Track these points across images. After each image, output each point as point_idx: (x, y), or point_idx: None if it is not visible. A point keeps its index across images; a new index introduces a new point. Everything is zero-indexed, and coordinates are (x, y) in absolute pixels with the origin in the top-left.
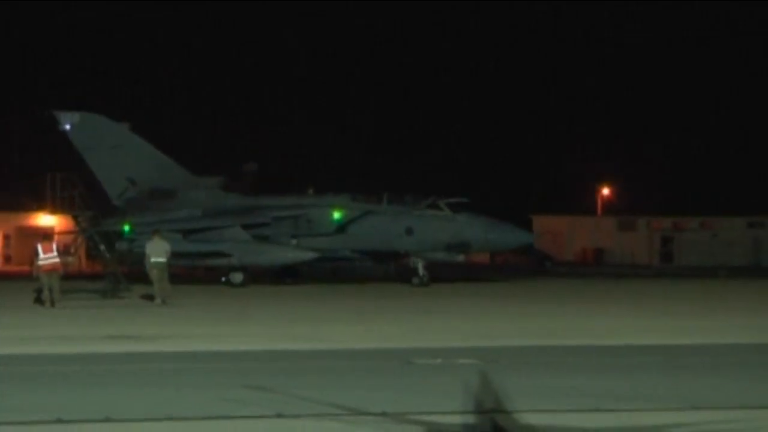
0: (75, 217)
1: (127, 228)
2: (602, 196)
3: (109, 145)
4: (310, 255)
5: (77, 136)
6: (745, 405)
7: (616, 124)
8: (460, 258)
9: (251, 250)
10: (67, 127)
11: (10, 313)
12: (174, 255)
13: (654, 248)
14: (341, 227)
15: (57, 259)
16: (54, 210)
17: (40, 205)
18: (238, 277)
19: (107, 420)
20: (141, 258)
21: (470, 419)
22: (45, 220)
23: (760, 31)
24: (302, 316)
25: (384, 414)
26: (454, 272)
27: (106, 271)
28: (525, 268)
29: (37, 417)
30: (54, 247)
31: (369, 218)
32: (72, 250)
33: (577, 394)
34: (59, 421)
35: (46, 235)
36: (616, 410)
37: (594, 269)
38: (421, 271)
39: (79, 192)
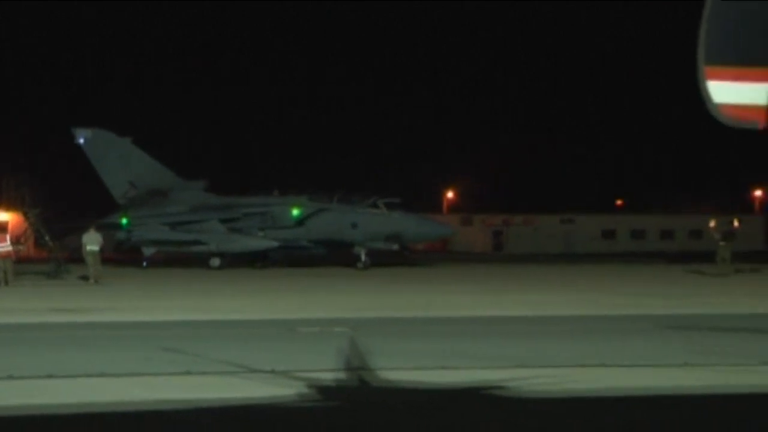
0: (24, 213)
1: (125, 220)
2: (447, 198)
3: (115, 156)
4: (273, 244)
5: (89, 148)
6: (562, 364)
7: (459, 138)
8: (395, 247)
9: (225, 239)
10: (81, 140)
11: None
12: (163, 243)
13: (488, 239)
14: (300, 221)
15: (10, 248)
16: (7, 207)
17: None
18: (215, 261)
19: (51, 376)
20: (137, 245)
21: (341, 375)
22: (1, 216)
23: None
24: (218, 293)
25: (273, 371)
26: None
27: (50, 256)
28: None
29: None
30: (7, 237)
31: (322, 214)
32: (22, 240)
33: (428, 355)
34: (10, 377)
35: (1, 227)
36: (458, 368)
37: (443, 255)
38: (363, 257)
39: (28, 191)
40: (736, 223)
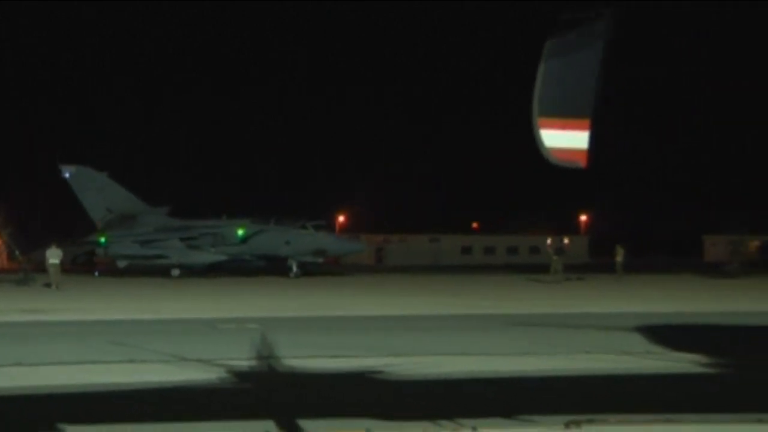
0: (1, 234)
1: (103, 239)
2: (338, 221)
3: (94, 187)
4: (222, 258)
5: (73, 181)
6: (429, 353)
7: (347, 169)
8: (320, 260)
9: (183, 254)
10: (67, 175)
11: None
12: (133, 257)
13: (371, 254)
14: (244, 240)
15: None
16: None
17: None
18: (176, 271)
19: (18, 364)
20: (113, 257)
21: (253, 363)
22: None
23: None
24: (161, 297)
25: (199, 360)
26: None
27: (19, 267)
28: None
29: None
30: None
31: (262, 234)
32: None
33: (323, 346)
34: None
35: None
36: (347, 356)
37: (337, 268)
38: (294, 268)
39: (2, 217)
40: (566, 241)
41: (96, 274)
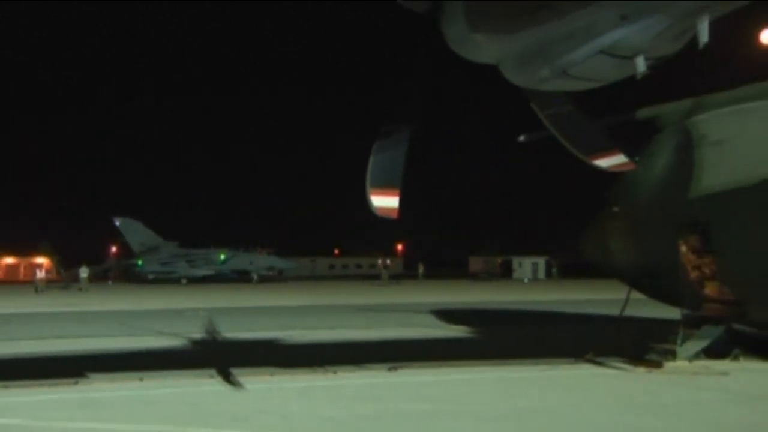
0: (51, 258)
1: (140, 262)
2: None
3: (134, 230)
4: (211, 272)
5: (122, 227)
6: (311, 327)
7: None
8: (274, 273)
9: (187, 270)
10: (117, 223)
11: (22, 296)
12: (158, 272)
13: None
14: (224, 261)
15: (44, 275)
16: (45, 255)
17: (40, 253)
18: (184, 281)
19: (59, 337)
20: (144, 275)
21: (204, 335)
22: (41, 259)
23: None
24: (154, 296)
25: (170, 333)
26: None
27: (62, 279)
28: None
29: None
30: (44, 270)
31: (235, 257)
32: (51, 271)
33: (247, 324)
34: (39, 337)
35: (39, 265)
36: (260, 330)
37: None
38: (256, 277)
39: (52, 248)
40: (389, 261)
41: (110, 282)
